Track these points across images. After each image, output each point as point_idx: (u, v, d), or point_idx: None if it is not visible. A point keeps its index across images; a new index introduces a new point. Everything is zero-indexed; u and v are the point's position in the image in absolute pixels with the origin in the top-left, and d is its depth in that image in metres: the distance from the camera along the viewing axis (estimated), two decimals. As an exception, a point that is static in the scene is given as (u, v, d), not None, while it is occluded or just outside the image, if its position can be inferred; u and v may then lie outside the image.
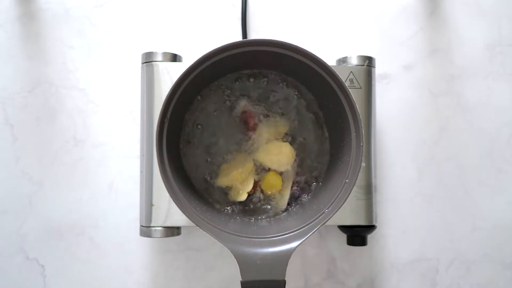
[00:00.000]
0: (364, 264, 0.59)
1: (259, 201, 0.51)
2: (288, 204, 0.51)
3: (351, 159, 0.45)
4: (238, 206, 0.51)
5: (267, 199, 0.51)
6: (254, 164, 0.51)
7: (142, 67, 0.54)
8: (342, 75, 0.51)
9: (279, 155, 0.51)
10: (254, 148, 0.51)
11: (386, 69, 0.60)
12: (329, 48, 0.60)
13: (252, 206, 0.51)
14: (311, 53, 0.44)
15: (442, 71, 0.61)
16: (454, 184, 0.60)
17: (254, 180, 0.51)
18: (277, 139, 0.51)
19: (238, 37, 0.60)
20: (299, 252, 0.58)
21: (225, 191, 0.51)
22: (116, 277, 0.58)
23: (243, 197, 0.50)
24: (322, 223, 0.43)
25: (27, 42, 0.59)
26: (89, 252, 0.58)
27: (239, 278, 0.42)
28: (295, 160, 0.51)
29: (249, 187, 0.50)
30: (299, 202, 0.51)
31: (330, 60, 0.53)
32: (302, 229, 0.45)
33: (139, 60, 0.54)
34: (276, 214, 0.51)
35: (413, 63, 0.60)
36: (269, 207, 0.51)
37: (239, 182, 0.50)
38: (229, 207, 0.51)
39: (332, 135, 0.51)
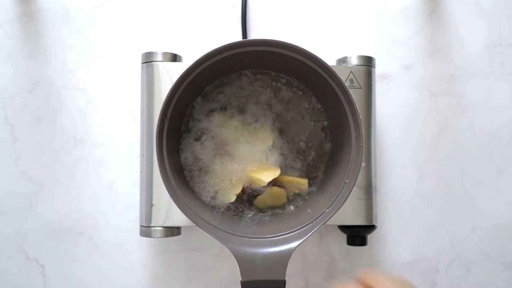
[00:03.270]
0: (364, 264, 0.59)
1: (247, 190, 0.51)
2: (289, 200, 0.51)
3: (351, 159, 0.45)
4: (235, 206, 0.51)
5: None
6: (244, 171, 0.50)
7: (142, 67, 0.54)
8: (342, 75, 0.51)
9: (255, 141, 0.51)
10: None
11: (386, 69, 0.60)
12: (329, 48, 0.60)
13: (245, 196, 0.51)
14: (311, 53, 0.44)
15: (442, 71, 0.61)
16: (454, 184, 0.60)
17: (243, 186, 0.50)
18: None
19: (238, 37, 0.60)
20: (299, 252, 0.58)
21: (215, 191, 0.50)
22: (116, 277, 0.58)
23: (232, 198, 0.50)
24: (322, 223, 0.43)
25: (27, 42, 0.59)
26: (89, 252, 0.58)
27: (239, 278, 0.42)
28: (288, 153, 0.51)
29: (238, 189, 0.50)
30: (300, 201, 0.51)
31: (330, 60, 0.53)
32: (302, 229, 0.45)
33: (139, 60, 0.54)
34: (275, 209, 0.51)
35: (413, 63, 0.60)
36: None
37: (228, 183, 0.50)
38: (226, 207, 0.51)
39: (332, 135, 0.51)
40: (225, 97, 0.51)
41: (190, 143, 0.51)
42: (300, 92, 0.52)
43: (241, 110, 0.51)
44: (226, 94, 0.51)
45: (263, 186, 0.50)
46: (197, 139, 0.51)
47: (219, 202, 0.50)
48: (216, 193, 0.50)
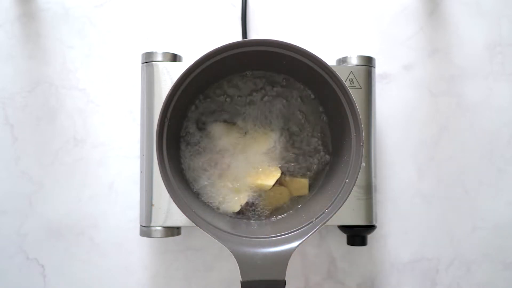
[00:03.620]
0: (364, 264, 0.59)
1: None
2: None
3: (351, 159, 0.45)
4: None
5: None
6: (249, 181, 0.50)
7: (142, 67, 0.54)
8: (342, 75, 0.51)
9: (254, 145, 0.51)
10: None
11: (386, 69, 0.60)
12: (329, 48, 0.60)
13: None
14: (311, 53, 0.44)
15: (442, 71, 0.61)
16: (454, 184, 0.60)
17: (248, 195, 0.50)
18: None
19: (238, 37, 0.60)
20: (299, 252, 0.58)
21: (219, 199, 0.50)
22: (116, 277, 0.58)
23: (236, 208, 0.50)
24: (322, 223, 0.43)
25: (27, 42, 0.59)
26: (89, 252, 0.58)
27: (239, 278, 0.42)
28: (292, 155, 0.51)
29: (243, 200, 0.50)
30: (300, 201, 0.51)
31: (330, 60, 0.53)
32: (302, 229, 0.45)
33: (139, 60, 0.54)
34: (273, 210, 0.51)
35: (413, 63, 0.60)
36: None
37: (231, 195, 0.50)
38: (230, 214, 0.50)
39: (332, 135, 0.51)
40: (222, 102, 0.51)
41: (189, 149, 0.51)
42: (300, 93, 0.52)
43: (240, 113, 0.51)
44: (224, 99, 0.51)
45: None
46: (196, 145, 0.51)
47: (223, 211, 0.50)
48: (219, 202, 0.50)
